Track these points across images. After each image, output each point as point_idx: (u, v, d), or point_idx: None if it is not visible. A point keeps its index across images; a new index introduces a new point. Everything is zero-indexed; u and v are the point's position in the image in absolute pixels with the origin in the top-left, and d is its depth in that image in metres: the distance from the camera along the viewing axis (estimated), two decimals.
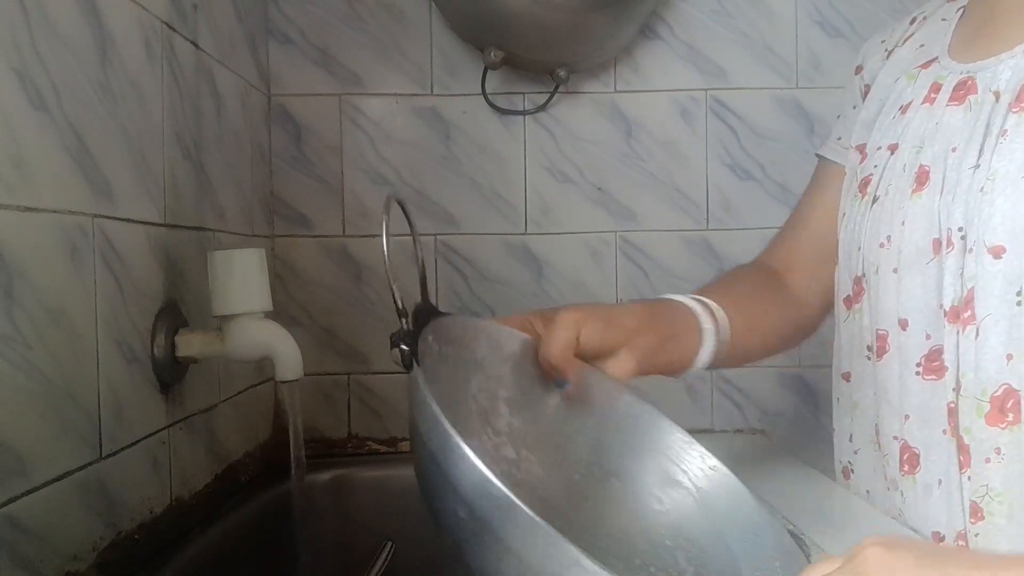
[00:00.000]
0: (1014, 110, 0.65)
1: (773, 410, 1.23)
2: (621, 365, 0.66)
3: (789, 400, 1.23)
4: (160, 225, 0.80)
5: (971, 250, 0.65)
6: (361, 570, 0.90)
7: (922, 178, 0.70)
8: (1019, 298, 0.63)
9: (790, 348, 0.90)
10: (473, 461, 0.43)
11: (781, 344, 0.86)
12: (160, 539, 0.77)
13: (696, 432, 0.66)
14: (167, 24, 0.82)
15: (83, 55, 0.66)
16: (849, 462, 0.81)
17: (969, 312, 0.65)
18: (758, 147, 1.22)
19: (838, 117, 0.89)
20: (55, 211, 0.61)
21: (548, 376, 0.65)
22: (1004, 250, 0.63)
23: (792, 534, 0.61)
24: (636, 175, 1.22)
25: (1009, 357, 0.64)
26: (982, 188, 0.65)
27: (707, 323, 0.72)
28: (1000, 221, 0.63)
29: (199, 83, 0.91)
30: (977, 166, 0.66)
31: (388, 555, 0.89)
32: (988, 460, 0.66)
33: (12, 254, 0.56)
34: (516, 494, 0.41)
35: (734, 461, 0.89)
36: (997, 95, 0.67)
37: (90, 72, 0.67)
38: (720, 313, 0.74)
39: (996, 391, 0.64)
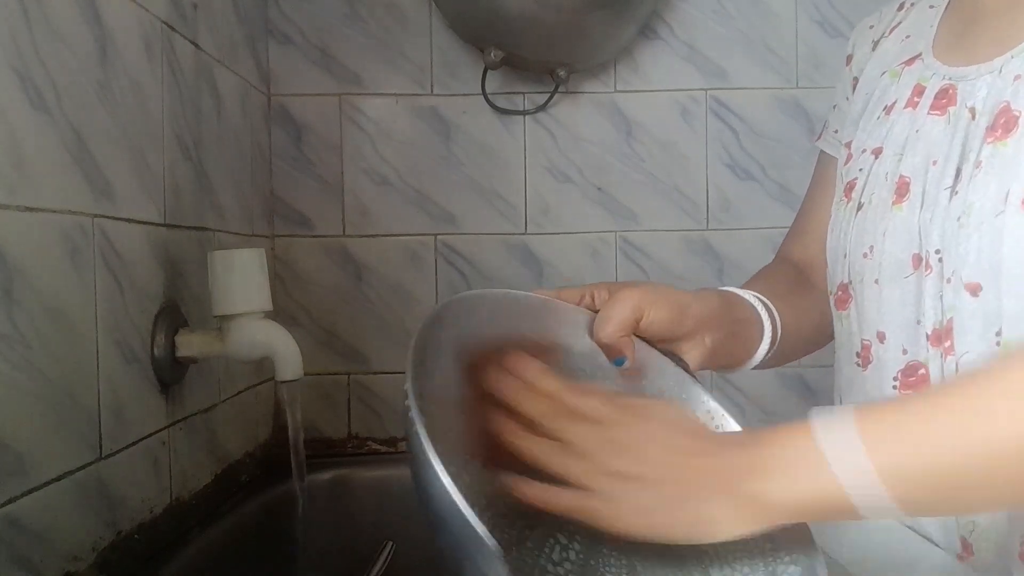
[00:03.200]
0: (988, 140, 0.64)
1: (773, 410, 1.23)
2: (688, 356, 0.63)
3: (790, 400, 1.23)
4: (160, 225, 0.80)
5: (949, 280, 0.64)
6: (361, 570, 0.90)
7: (902, 189, 0.69)
8: (998, 338, 0.61)
9: (822, 347, 0.88)
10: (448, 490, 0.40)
11: (821, 342, 0.84)
12: (160, 539, 0.77)
13: None
14: (167, 24, 0.82)
15: (83, 55, 0.66)
16: None
17: (949, 343, 0.64)
18: (758, 147, 1.22)
19: (834, 107, 0.87)
20: (55, 211, 0.62)
21: (605, 354, 0.61)
22: (981, 288, 0.62)
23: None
24: (636, 175, 1.22)
25: None
26: (959, 218, 0.64)
27: (767, 321, 0.71)
28: (976, 258, 0.62)
29: (199, 83, 0.91)
30: (955, 192, 0.65)
31: (389, 555, 0.89)
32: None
33: (12, 254, 0.56)
34: None
35: None
36: (973, 112, 0.66)
37: (90, 72, 0.67)
38: (774, 312, 0.73)
39: None
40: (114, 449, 0.69)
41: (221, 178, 0.97)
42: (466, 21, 1.15)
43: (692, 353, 0.64)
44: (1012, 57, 0.66)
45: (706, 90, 1.22)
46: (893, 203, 0.69)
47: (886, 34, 0.80)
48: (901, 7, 0.81)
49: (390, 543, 0.89)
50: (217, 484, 0.93)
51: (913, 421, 0.45)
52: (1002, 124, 0.64)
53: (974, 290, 0.62)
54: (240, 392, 1.03)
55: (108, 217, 0.69)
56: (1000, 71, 0.66)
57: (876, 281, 0.71)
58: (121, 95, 0.72)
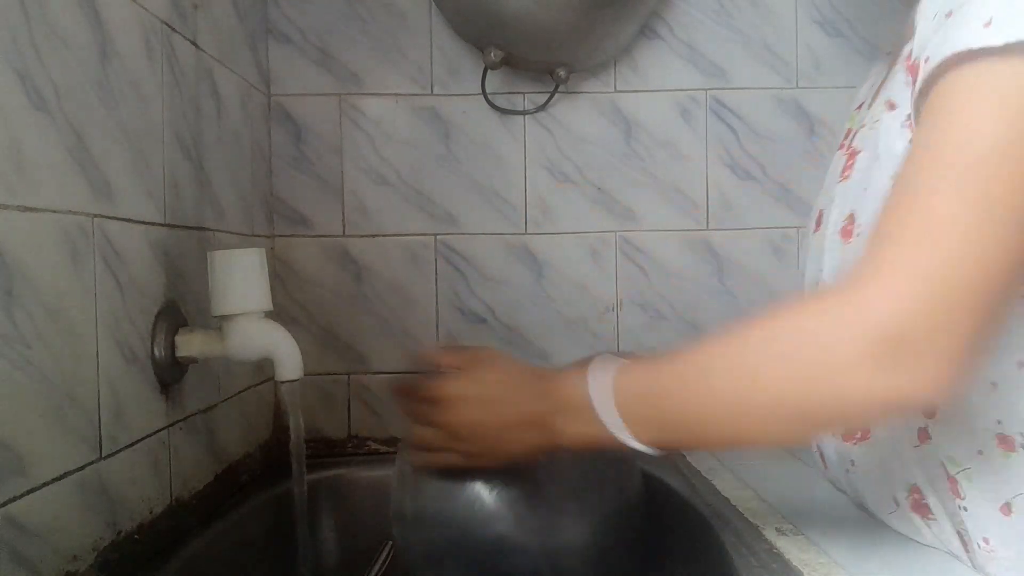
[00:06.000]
0: (840, 180, 0.73)
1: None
2: None
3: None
4: (160, 225, 0.80)
5: None
6: (361, 570, 0.90)
7: (819, 219, 0.77)
8: None
9: None
10: None
11: None
12: (160, 539, 0.77)
13: None
14: (167, 24, 0.82)
15: (83, 55, 0.66)
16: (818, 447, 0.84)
17: None
18: (758, 147, 1.22)
19: None
20: (55, 211, 0.62)
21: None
22: None
23: None
24: (636, 175, 1.22)
25: None
26: (825, 244, 0.73)
27: None
28: (828, 271, 0.70)
29: (199, 83, 0.91)
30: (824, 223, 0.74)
31: (389, 555, 0.89)
32: (847, 471, 0.78)
33: (12, 254, 0.56)
34: None
35: (732, 458, 0.89)
36: (851, 154, 0.73)
37: (90, 72, 0.67)
38: None
39: None
40: (114, 449, 0.69)
41: (221, 178, 0.97)
42: (466, 21, 1.15)
43: None
44: (868, 108, 0.75)
45: (706, 90, 1.22)
46: (813, 232, 0.79)
47: (865, 82, 0.86)
48: (888, 53, 0.84)
49: (390, 542, 0.89)
50: (217, 484, 0.93)
51: (651, 378, 0.61)
52: (850, 165, 0.71)
53: None
54: (240, 392, 1.03)
55: (108, 217, 0.69)
56: (865, 121, 0.73)
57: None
58: (121, 95, 0.72)
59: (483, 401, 0.68)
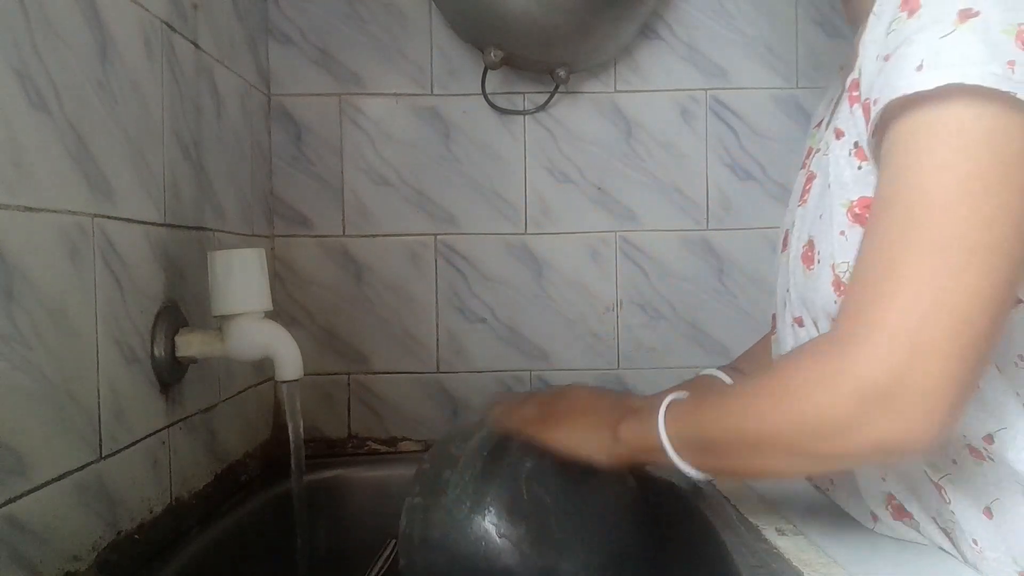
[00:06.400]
0: (799, 204, 0.74)
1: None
2: None
3: None
4: (160, 225, 0.80)
5: (797, 318, 0.73)
6: (361, 570, 0.90)
7: (785, 240, 0.78)
8: None
9: None
10: None
11: None
12: (160, 539, 0.77)
13: None
14: (167, 24, 0.82)
15: (83, 55, 0.66)
16: None
17: None
18: (758, 147, 1.22)
19: None
20: (55, 211, 0.62)
21: None
22: (802, 322, 0.71)
23: None
24: (636, 175, 1.22)
25: None
26: (788, 267, 0.75)
27: None
28: (794, 295, 0.73)
29: (199, 83, 0.91)
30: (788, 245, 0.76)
31: (392, 552, 0.89)
32: (827, 490, 0.83)
33: (12, 254, 0.56)
34: None
35: None
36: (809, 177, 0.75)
37: (90, 72, 0.67)
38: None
39: None
40: (114, 449, 0.69)
41: (221, 178, 0.97)
42: (466, 21, 1.15)
43: None
44: (824, 128, 0.75)
45: (706, 90, 1.22)
46: (780, 252, 0.81)
47: (823, 97, 0.87)
48: (841, 68, 0.84)
49: (393, 540, 0.89)
50: (217, 484, 0.93)
51: (696, 404, 0.69)
52: (807, 189, 0.73)
53: (799, 322, 0.71)
54: (240, 392, 1.03)
55: (108, 217, 0.69)
56: (821, 144, 0.74)
57: (772, 315, 0.82)
58: (121, 95, 0.72)
59: (576, 398, 0.81)
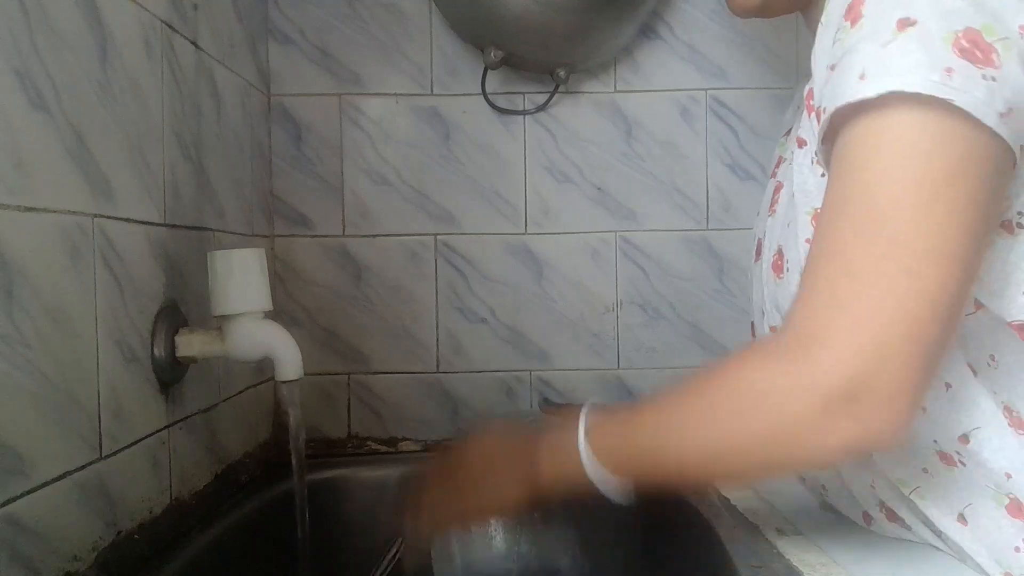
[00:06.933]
0: (769, 213, 0.74)
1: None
2: None
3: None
4: (160, 225, 0.80)
5: (773, 327, 0.74)
6: (361, 570, 0.90)
7: (759, 249, 0.78)
8: None
9: None
10: None
11: None
12: (160, 539, 0.77)
13: None
14: (167, 24, 0.82)
15: (83, 55, 0.66)
16: None
17: None
18: (758, 147, 1.22)
19: None
20: (55, 211, 0.62)
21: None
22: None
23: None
24: (636, 175, 1.22)
25: None
26: (763, 278, 0.75)
27: None
28: (768, 304, 0.72)
29: (199, 83, 0.91)
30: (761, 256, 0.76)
31: (398, 551, 0.88)
32: (820, 494, 0.82)
33: (12, 254, 0.56)
34: None
35: None
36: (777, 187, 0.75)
37: (90, 72, 0.67)
38: None
39: None
40: (114, 449, 0.69)
41: (221, 178, 0.97)
42: (466, 21, 1.15)
43: None
44: (789, 137, 0.76)
45: (706, 90, 1.22)
46: (754, 261, 0.81)
47: (791, 104, 0.87)
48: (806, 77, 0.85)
49: (400, 539, 0.89)
50: (217, 484, 0.93)
51: (623, 422, 0.65)
52: (776, 199, 0.73)
53: (775, 331, 0.72)
54: (240, 392, 1.03)
55: (108, 217, 0.69)
56: (787, 154, 0.75)
57: (751, 324, 0.82)
58: (121, 95, 0.72)
59: (480, 450, 0.75)
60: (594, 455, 0.64)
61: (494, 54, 1.11)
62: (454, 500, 0.74)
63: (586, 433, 0.65)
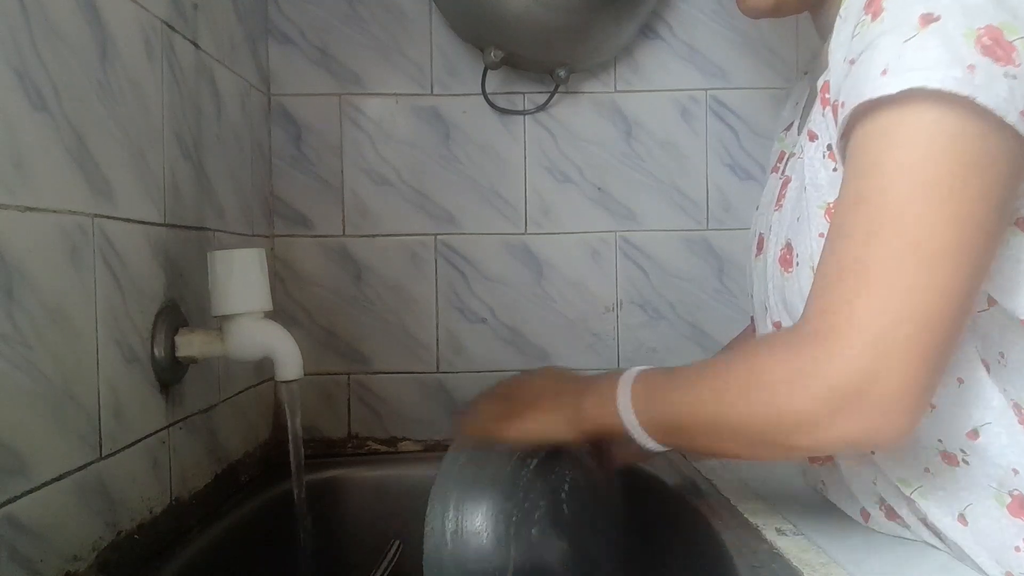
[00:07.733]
0: (775, 209, 0.74)
1: None
2: None
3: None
4: (160, 225, 0.80)
5: (775, 324, 0.74)
6: (363, 570, 0.90)
7: (760, 244, 0.79)
8: None
9: None
10: None
11: None
12: (160, 539, 0.77)
13: None
14: (167, 24, 0.82)
15: (83, 55, 0.66)
16: None
17: None
18: (758, 147, 1.22)
19: None
20: (55, 211, 0.62)
21: None
22: (781, 325, 0.72)
23: None
24: (636, 175, 1.22)
25: None
26: (767, 273, 0.75)
27: None
28: (773, 299, 0.72)
29: (199, 83, 0.91)
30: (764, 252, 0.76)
31: (396, 554, 0.89)
32: (819, 490, 0.83)
33: (12, 254, 0.56)
34: None
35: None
36: (785, 181, 0.75)
37: (90, 72, 0.67)
38: None
39: None
40: (114, 449, 0.69)
41: (221, 178, 0.97)
42: (466, 21, 1.15)
43: None
44: (797, 133, 0.75)
45: (706, 90, 1.22)
46: (755, 256, 0.81)
47: (790, 94, 0.87)
48: (805, 73, 0.85)
49: (397, 541, 0.89)
50: (217, 484, 0.93)
51: (664, 383, 0.68)
52: (783, 194, 0.73)
53: (778, 327, 0.72)
54: (240, 392, 1.03)
55: (108, 217, 0.69)
56: (795, 148, 0.74)
57: (751, 319, 0.83)
58: (121, 95, 0.72)
59: (537, 382, 0.80)
60: (632, 407, 0.68)
61: (494, 54, 1.11)
62: (503, 411, 0.77)
63: (627, 385, 0.69)
